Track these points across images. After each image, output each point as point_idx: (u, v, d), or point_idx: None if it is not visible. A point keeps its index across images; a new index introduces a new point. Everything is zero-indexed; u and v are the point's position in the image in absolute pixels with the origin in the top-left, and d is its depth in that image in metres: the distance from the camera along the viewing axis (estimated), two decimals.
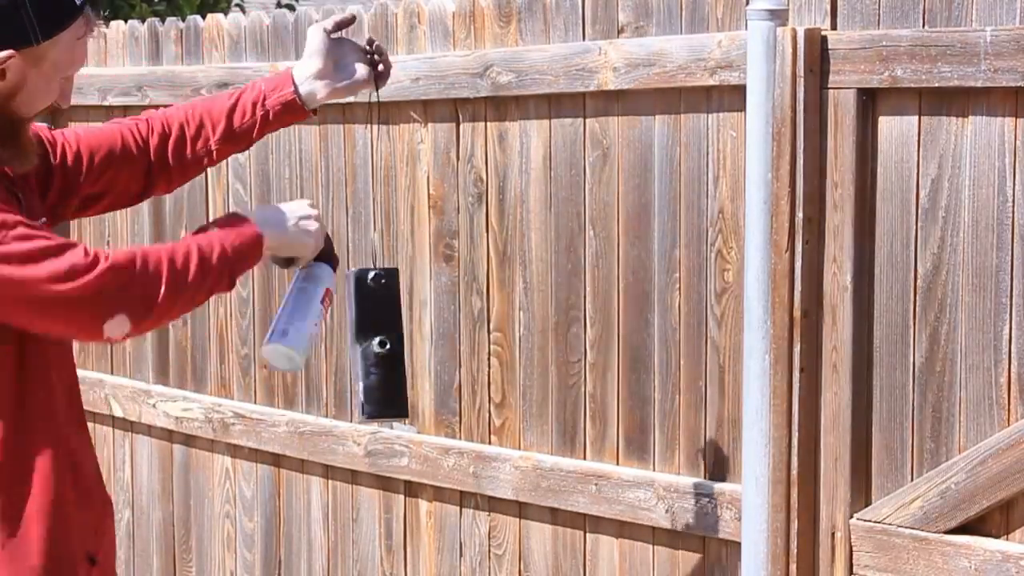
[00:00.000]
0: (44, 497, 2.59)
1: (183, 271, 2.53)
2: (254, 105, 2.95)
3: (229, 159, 4.51)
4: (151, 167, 2.93)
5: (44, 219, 2.68)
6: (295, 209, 2.76)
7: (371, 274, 2.91)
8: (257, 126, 2.95)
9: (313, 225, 2.75)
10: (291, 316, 2.77)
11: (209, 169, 4.56)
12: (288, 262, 2.79)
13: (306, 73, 2.93)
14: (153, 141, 2.93)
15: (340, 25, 2.97)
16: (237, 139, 2.97)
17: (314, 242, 2.76)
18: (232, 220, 2.67)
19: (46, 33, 2.50)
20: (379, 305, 2.92)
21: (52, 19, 2.51)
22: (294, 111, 2.94)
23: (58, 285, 2.42)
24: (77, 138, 2.86)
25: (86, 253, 2.46)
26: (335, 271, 2.85)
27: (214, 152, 2.96)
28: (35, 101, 2.57)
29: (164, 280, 2.50)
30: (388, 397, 2.92)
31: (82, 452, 2.72)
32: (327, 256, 2.83)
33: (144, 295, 2.49)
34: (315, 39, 2.95)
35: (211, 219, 2.96)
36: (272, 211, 2.77)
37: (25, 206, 2.60)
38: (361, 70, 2.95)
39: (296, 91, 2.92)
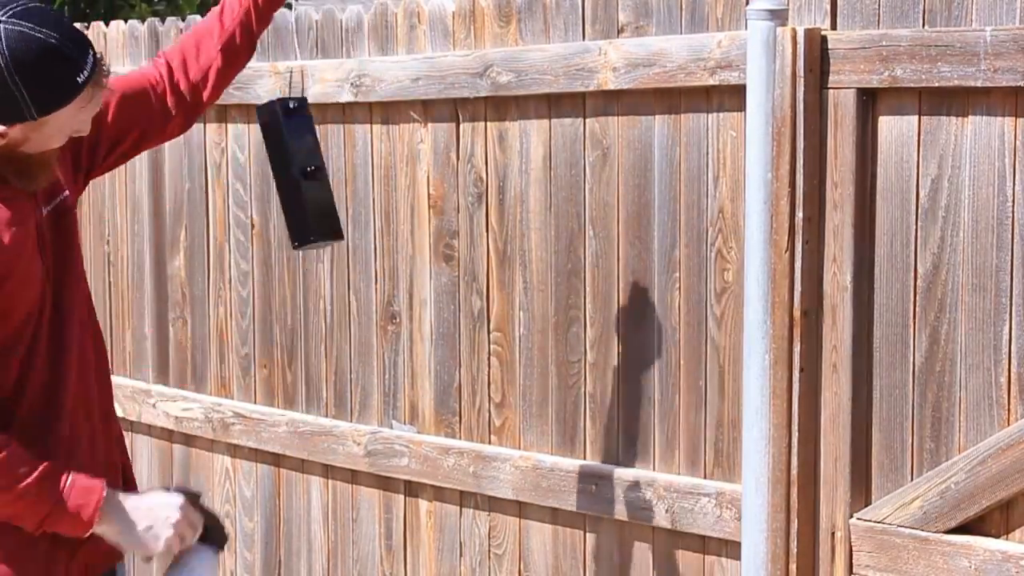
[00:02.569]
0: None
1: (9, 485, 2.47)
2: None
3: (230, 159, 4.52)
4: (168, 101, 2.97)
5: (64, 194, 2.67)
6: (153, 514, 2.60)
7: (283, 104, 2.88)
8: (248, 14, 3.01)
9: (166, 533, 2.59)
10: None
11: (209, 170, 4.58)
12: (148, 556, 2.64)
13: None
14: (169, 70, 2.98)
15: None
16: (235, 39, 3.01)
17: (156, 549, 2.61)
18: (90, 488, 2.55)
19: (42, 111, 2.45)
20: (295, 133, 2.89)
21: (49, 99, 2.45)
22: None
23: None
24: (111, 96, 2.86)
25: None
26: (221, 550, 2.69)
27: (219, 59, 3.01)
28: (45, 147, 2.53)
29: None
30: (323, 219, 2.88)
31: (88, 440, 2.68)
32: (213, 537, 2.67)
33: None
34: None
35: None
36: (125, 514, 2.59)
37: (46, 193, 2.62)
38: None
39: None
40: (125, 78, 2.98)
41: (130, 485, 2.82)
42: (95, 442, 2.71)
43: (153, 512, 2.60)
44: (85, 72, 2.47)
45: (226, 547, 2.73)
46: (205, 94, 3.02)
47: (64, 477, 2.51)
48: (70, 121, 2.52)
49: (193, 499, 2.66)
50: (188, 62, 3.00)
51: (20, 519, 2.51)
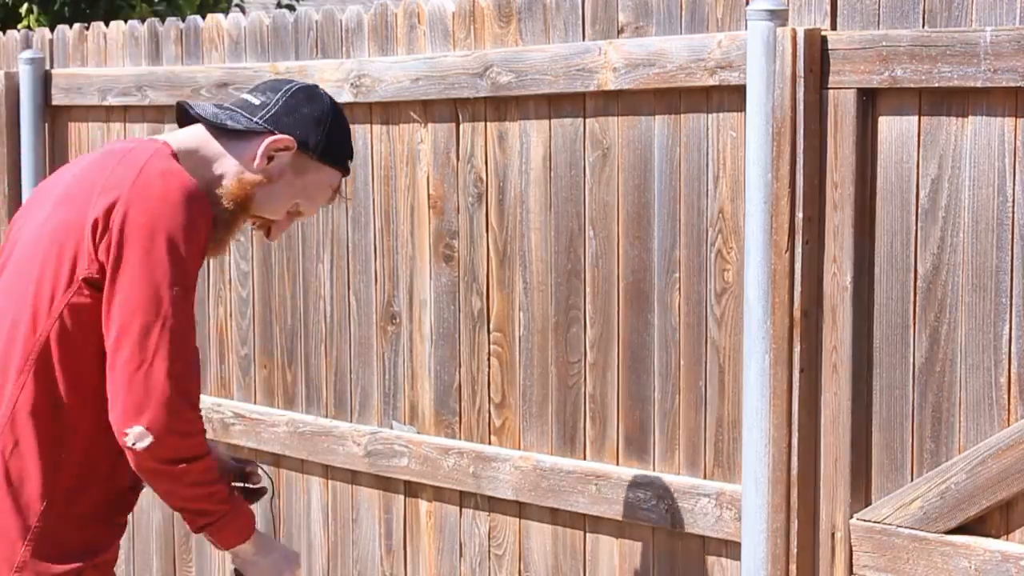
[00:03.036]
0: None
1: (199, 484, 2.65)
2: None
3: None
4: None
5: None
6: (285, 552, 2.87)
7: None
8: None
9: (286, 572, 2.84)
10: None
11: None
12: None
13: None
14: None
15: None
16: None
17: None
18: (250, 514, 2.79)
19: (324, 155, 2.81)
20: None
21: (333, 150, 2.83)
22: None
23: (156, 371, 2.55)
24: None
25: (194, 407, 2.61)
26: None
27: None
28: (268, 204, 2.79)
29: (190, 471, 2.62)
30: None
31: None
32: None
33: (176, 451, 2.59)
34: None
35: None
36: (270, 541, 2.87)
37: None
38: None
39: None
40: None
41: None
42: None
43: (283, 554, 2.86)
44: (350, 164, 2.90)
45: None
46: None
47: (232, 491, 2.76)
48: (316, 187, 2.83)
49: (298, 561, 2.94)
50: None
51: (197, 515, 2.69)
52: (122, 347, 2.55)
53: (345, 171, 2.87)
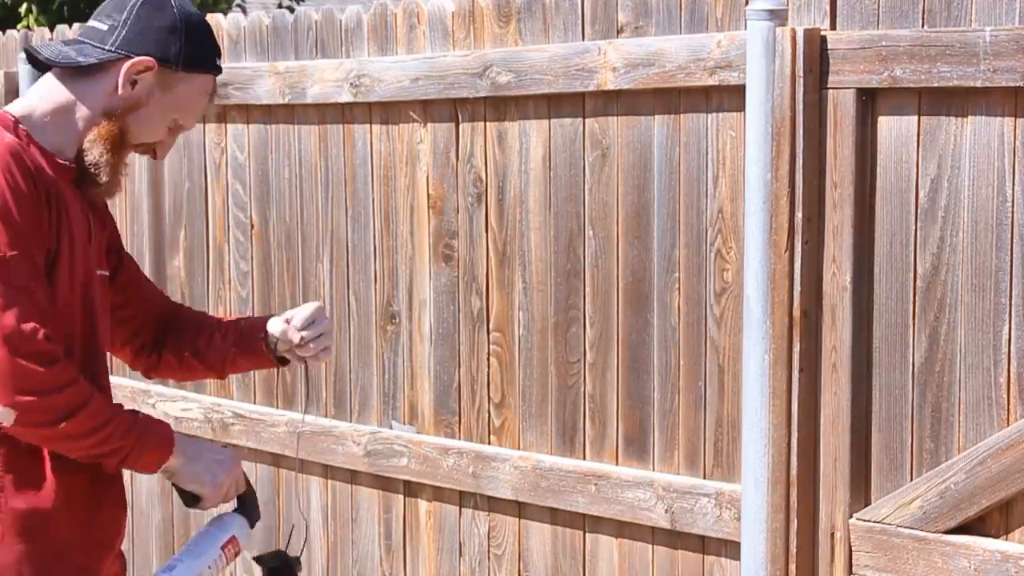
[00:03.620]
0: (60, 495, 2.59)
1: (92, 429, 2.54)
2: (226, 335, 2.96)
3: (229, 159, 4.52)
4: (147, 341, 2.98)
5: (106, 271, 2.75)
6: (218, 456, 2.75)
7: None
8: (226, 361, 2.96)
9: (221, 473, 2.73)
10: (184, 553, 2.74)
11: (208, 170, 4.58)
12: (193, 500, 2.75)
13: (281, 319, 2.95)
14: (166, 321, 2.98)
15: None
16: (207, 360, 2.97)
17: (210, 487, 2.73)
18: (161, 424, 2.67)
19: (187, 65, 2.66)
20: None
21: (197, 57, 2.68)
22: (264, 361, 2.95)
23: (8, 342, 2.43)
24: (131, 261, 2.94)
25: (48, 343, 2.46)
26: (252, 527, 2.81)
27: (183, 359, 2.98)
28: (144, 128, 2.67)
29: (71, 421, 2.51)
30: None
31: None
32: (248, 511, 2.80)
33: (45, 416, 2.49)
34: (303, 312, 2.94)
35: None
36: (192, 444, 2.75)
37: (94, 233, 2.68)
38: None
39: (265, 336, 2.93)
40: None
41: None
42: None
43: (213, 456, 2.74)
44: (219, 62, 2.74)
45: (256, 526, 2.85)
46: (157, 368, 3.02)
47: (135, 415, 2.63)
48: (189, 97, 2.68)
49: (238, 459, 2.80)
50: (178, 334, 2.98)
51: (106, 457, 2.59)
52: None
53: (215, 71, 2.73)
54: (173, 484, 2.74)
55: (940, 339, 3.12)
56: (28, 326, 2.44)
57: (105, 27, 2.65)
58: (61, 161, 2.61)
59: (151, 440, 2.63)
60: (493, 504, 3.95)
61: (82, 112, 2.64)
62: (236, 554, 2.77)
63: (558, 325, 3.77)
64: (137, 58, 2.63)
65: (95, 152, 2.63)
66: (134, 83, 2.63)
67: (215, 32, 4.52)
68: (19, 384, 2.44)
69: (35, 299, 2.48)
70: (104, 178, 2.65)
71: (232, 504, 2.83)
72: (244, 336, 2.93)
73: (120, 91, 2.63)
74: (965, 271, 3.08)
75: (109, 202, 2.88)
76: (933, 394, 3.14)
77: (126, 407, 2.64)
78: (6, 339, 2.43)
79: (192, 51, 2.67)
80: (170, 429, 2.67)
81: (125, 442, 2.58)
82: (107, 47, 2.64)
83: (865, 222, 3.20)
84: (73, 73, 2.65)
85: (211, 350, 2.95)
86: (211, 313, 3.01)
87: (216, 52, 2.74)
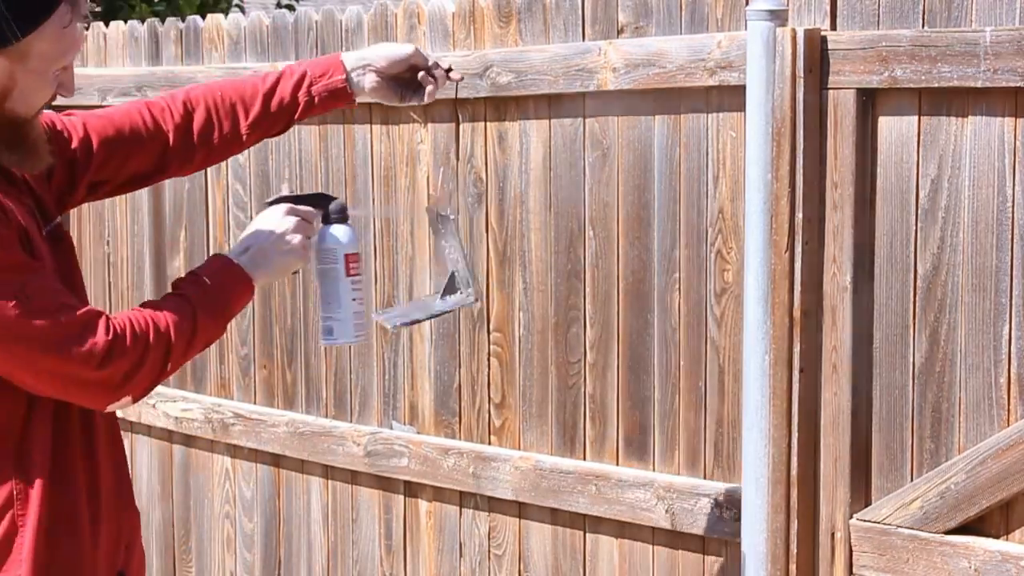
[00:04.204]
0: (48, 512, 2.52)
1: (188, 342, 2.53)
2: (295, 89, 2.89)
3: (229, 162, 4.52)
4: (167, 149, 2.85)
5: (58, 219, 2.62)
6: (274, 231, 2.67)
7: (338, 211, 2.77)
8: (300, 110, 2.90)
9: (295, 240, 2.67)
10: (326, 308, 2.70)
11: (208, 170, 4.58)
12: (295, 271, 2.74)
13: (362, 62, 2.90)
14: (174, 121, 2.85)
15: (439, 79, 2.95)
16: (272, 123, 2.90)
17: (299, 257, 2.69)
18: (224, 268, 2.62)
19: (24, 29, 2.38)
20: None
21: (28, 13, 2.38)
22: (341, 98, 2.90)
23: (77, 367, 2.42)
24: (85, 125, 2.78)
25: (106, 333, 2.44)
26: (346, 221, 2.73)
27: (244, 137, 2.90)
28: (31, 99, 2.47)
29: (171, 358, 2.51)
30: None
31: (102, 458, 2.63)
32: (335, 215, 2.72)
33: (152, 379, 2.51)
34: (402, 51, 2.92)
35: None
36: (256, 250, 2.66)
37: (40, 208, 2.56)
38: (415, 97, 2.94)
39: (347, 78, 2.90)
40: (120, 111, 2.88)
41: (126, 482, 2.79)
42: (110, 459, 2.69)
43: (272, 236, 2.66)
44: None
45: (353, 208, 2.80)
46: (200, 157, 2.92)
47: (201, 288, 2.57)
48: (53, 46, 2.42)
49: (288, 200, 2.71)
50: (219, 119, 2.89)
51: (217, 333, 2.59)
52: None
53: (57, 2, 2.41)
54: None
55: (940, 339, 3.12)
56: (85, 343, 2.42)
57: None
58: None
59: (232, 295, 2.60)
60: (493, 504, 3.95)
61: None
62: (358, 264, 2.71)
63: (558, 325, 3.77)
64: None
65: (4, 156, 2.48)
66: None
67: (217, 32, 4.54)
68: (114, 382, 2.45)
69: (69, 305, 2.44)
70: (26, 166, 2.51)
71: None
72: (314, 85, 2.87)
73: None
74: (965, 271, 3.08)
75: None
76: (933, 394, 3.14)
77: (179, 290, 2.58)
78: (80, 363, 2.41)
79: (19, 12, 2.37)
80: (235, 267, 2.61)
81: (217, 319, 2.57)
82: None
83: (865, 222, 3.20)
84: None
85: (274, 112, 2.87)
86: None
87: None
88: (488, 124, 3.88)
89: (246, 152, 4.47)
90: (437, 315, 3.05)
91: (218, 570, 4.74)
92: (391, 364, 4.16)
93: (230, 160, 4.52)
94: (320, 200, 2.75)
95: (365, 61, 2.91)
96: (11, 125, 2.47)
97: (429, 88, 2.94)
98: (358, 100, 2.95)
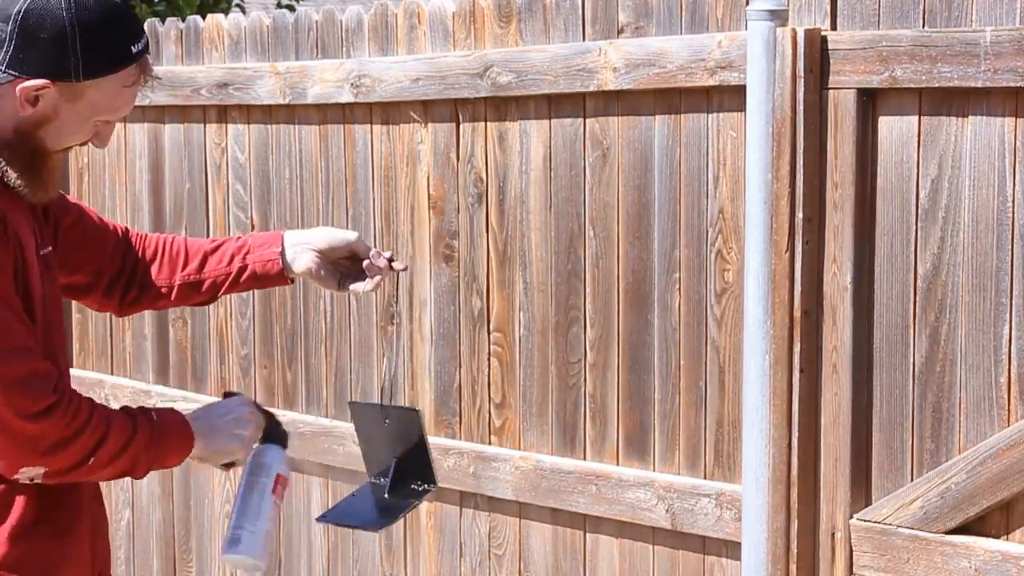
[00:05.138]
0: (23, 523, 2.49)
1: (117, 453, 2.45)
2: (234, 254, 2.83)
3: (230, 159, 4.52)
4: (117, 279, 2.84)
5: (50, 248, 2.59)
6: (230, 415, 2.63)
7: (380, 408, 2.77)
8: (231, 277, 2.84)
9: (244, 430, 2.62)
10: (241, 517, 2.61)
11: (209, 170, 4.58)
12: (228, 465, 2.67)
13: (302, 240, 2.81)
14: (132, 255, 2.84)
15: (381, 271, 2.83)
16: (201, 285, 2.85)
17: (241, 451, 2.63)
18: (171, 419, 2.56)
19: (88, 73, 2.38)
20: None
21: (98, 62, 2.38)
22: (272, 270, 2.82)
23: (11, 413, 2.33)
24: (80, 210, 2.79)
25: (54, 391, 2.37)
26: (285, 448, 2.70)
27: (174, 290, 2.85)
28: (65, 136, 2.46)
29: (97, 455, 2.42)
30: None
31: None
32: (275, 435, 2.68)
33: (72, 461, 2.41)
34: (343, 236, 2.82)
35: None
36: (206, 422, 2.61)
37: (39, 233, 2.54)
38: (357, 286, 2.82)
39: (283, 252, 2.81)
40: (107, 223, 2.87)
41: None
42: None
43: (226, 419, 2.62)
44: (139, 44, 2.43)
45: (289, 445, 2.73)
46: (139, 302, 2.88)
47: (149, 419, 2.52)
48: (106, 99, 2.43)
49: (247, 401, 2.69)
50: (159, 264, 2.85)
51: (133, 469, 2.50)
52: None
53: (130, 63, 2.41)
54: (201, 460, 2.64)
55: (941, 339, 3.12)
56: (33, 389, 2.34)
57: None
58: None
59: (172, 440, 2.53)
60: (494, 504, 3.95)
61: None
62: (285, 489, 2.67)
63: (559, 325, 3.77)
64: (28, 83, 2.36)
65: (11, 176, 2.44)
66: (35, 100, 2.38)
67: (217, 32, 4.54)
68: (39, 446, 2.37)
69: (27, 348, 2.37)
70: (32, 195, 2.47)
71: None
72: (251, 256, 2.81)
73: (21, 112, 2.39)
74: (966, 271, 3.08)
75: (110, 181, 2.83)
76: (934, 394, 3.14)
77: (128, 411, 2.55)
78: (16, 410, 2.33)
79: (92, 57, 2.37)
80: (184, 420, 2.56)
81: (150, 451, 2.49)
82: None
83: (866, 222, 3.20)
84: None
85: (206, 271, 2.82)
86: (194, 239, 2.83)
87: (130, 39, 2.41)
88: (488, 124, 3.88)
89: (246, 152, 4.48)
90: (384, 525, 2.94)
91: (218, 570, 4.74)
92: (391, 364, 4.16)
93: (230, 160, 4.53)
94: (268, 417, 2.70)
95: (305, 240, 2.82)
96: (34, 152, 2.45)
97: (376, 279, 2.81)
98: (292, 278, 2.86)
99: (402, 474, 2.78)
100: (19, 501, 2.49)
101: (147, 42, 2.47)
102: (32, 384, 2.35)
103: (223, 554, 2.63)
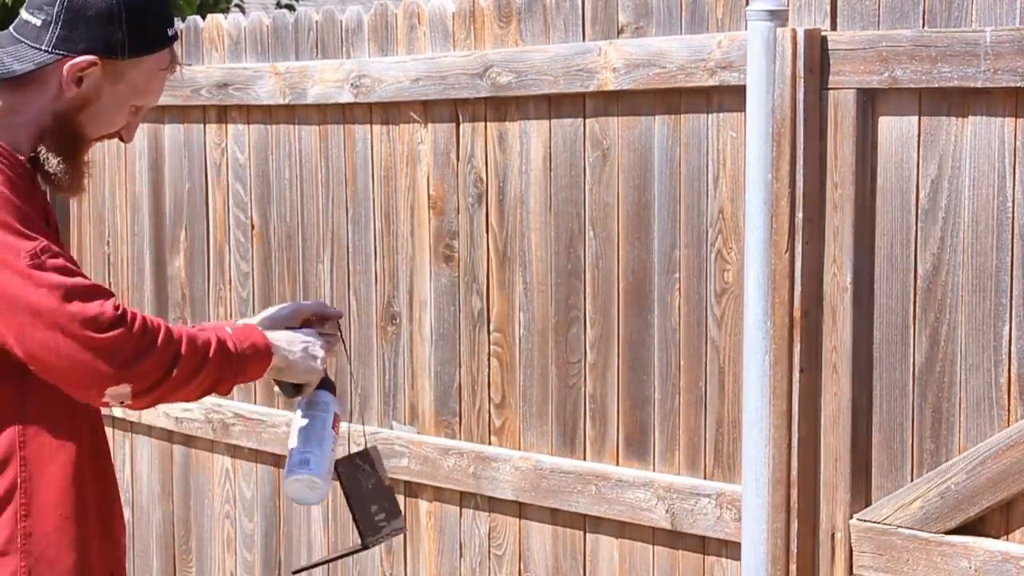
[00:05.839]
0: (60, 514, 2.49)
1: (198, 364, 2.44)
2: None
3: (230, 159, 4.52)
4: None
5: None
6: (304, 336, 2.66)
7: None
8: None
9: (319, 354, 2.66)
10: (307, 444, 2.67)
11: (209, 171, 4.58)
12: (295, 389, 2.70)
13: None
14: None
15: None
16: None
17: (318, 371, 2.67)
18: (247, 330, 2.57)
19: (134, 50, 2.46)
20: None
21: (142, 40, 2.48)
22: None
23: (81, 329, 2.33)
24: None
25: (116, 307, 2.37)
26: (335, 396, 2.76)
27: None
28: (102, 122, 2.52)
29: (179, 366, 2.42)
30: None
31: (102, 461, 2.61)
32: (327, 384, 2.75)
33: (157, 375, 2.41)
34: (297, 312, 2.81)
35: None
36: (283, 334, 2.64)
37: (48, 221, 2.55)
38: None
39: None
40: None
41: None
42: (107, 461, 2.66)
43: (298, 337, 2.65)
44: (173, 29, 2.53)
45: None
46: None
47: (226, 331, 2.52)
48: (144, 80, 2.51)
49: (316, 333, 2.74)
50: None
51: (218, 384, 2.50)
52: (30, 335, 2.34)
53: (167, 45, 2.52)
54: (275, 380, 2.67)
55: (940, 339, 3.12)
56: (93, 304, 2.34)
57: (39, 22, 2.45)
58: (21, 158, 2.47)
59: (251, 349, 2.53)
60: (494, 504, 3.96)
61: (30, 117, 2.48)
62: (338, 427, 2.73)
63: (558, 325, 3.77)
64: (76, 60, 2.43)
65: (52, 163, 2.49)
66: (80, 80, 2.45)
67: (217, 32, 4.54)
68: (117, 358, 2.35)
69: (86, 276, 2.40)
70: (67, 184, 2.52)
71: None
72: None
73: (66, 92, 2.46)
74: (966, 271, 3.08)
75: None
76: (934, 394, 3.14)
77: (202, 327, 2.53)
78: (84, 324, 2.33)
79: (136, 34, 2.46)
80: (259, 330, 2.57)
81: (232, 362, 2.49)
82: (43, 47, 2.44)
83: (865, 222, 3.20)
84: (14, 83, 2.46)
85: None
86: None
87: (165, 22, 2.52)
88: (488, 124, 3.88)
89: (246, 152, 4.48)
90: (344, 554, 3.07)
91: (218, 570, 4.74)
92: (391, 364, 4.16)
93: (230, 160, 4.53)
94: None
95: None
96: (73, 136, 2.50)
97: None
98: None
99: (369, 519, 2.86)
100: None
101: (177, 29, 2.56)
102: (92, 296, 2.36)
103: (288, 476, 2.66)
